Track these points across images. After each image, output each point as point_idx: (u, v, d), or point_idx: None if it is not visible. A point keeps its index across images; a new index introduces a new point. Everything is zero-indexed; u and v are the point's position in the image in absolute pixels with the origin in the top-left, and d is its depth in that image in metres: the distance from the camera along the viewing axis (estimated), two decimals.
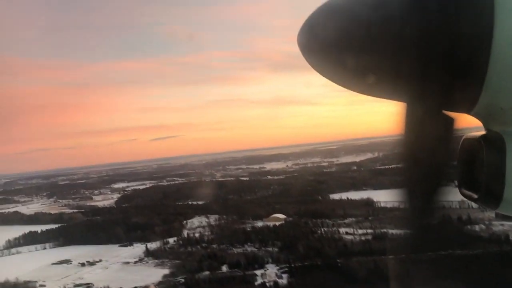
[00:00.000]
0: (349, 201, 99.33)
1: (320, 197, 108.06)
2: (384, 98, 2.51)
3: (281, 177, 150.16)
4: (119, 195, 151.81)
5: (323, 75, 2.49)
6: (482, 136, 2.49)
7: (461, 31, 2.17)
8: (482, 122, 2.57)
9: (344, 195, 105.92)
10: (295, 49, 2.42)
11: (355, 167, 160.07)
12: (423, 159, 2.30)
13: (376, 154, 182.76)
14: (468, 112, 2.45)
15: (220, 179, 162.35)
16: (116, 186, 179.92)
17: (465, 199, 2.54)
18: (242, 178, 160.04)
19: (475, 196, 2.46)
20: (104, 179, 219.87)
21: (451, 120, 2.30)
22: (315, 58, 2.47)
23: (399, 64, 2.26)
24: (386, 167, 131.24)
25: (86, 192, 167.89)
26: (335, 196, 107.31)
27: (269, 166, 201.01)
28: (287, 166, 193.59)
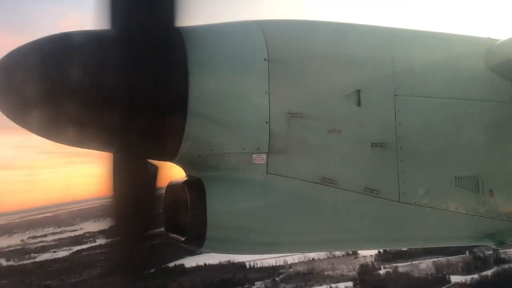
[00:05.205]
0: None
1: None
2: (90, 148, 2.62)
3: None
4: None
5: (23, 126, 2.48)
6: (185, 182, 2.78)
7: (160, 87, 2.42)
8: (184, 169, 2.91)
9: None
10: None
11: None
12: (130, 207, 2.48)
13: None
14: (171, 160, 2.75)
15: None
16: None
17: (173, 242, 2.77)
18: None
19: (182, 238, 2.74)
20: None
21: (155, 168, 2.53)
22: (10, 107, 2.42)
23: (100, 115, 2.36)
24: None
25: None
26: None
27: None
28: (24, 242, 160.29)
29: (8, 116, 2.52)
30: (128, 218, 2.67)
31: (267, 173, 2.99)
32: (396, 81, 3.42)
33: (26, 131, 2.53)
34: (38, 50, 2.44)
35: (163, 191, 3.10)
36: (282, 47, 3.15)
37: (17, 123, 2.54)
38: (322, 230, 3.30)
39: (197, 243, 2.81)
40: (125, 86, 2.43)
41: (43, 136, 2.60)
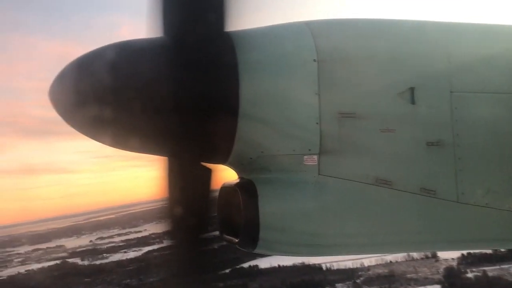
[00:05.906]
0: None
1: None
2: (146, 153, 2.72)
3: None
4: None
5: (78, 130, 2.54)
6: (237, 184, 2.83)
7: (212, 91, 2.47)
8: (236, 171, 2.96)
9: None
10: (48, 113, 2.27)
11: None
12: (185, 209, 2.52)
13: None
14: (223, 162, 2.82)
15: None
16: None
17: (228, 243, 2.81)
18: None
19: (236, 240, 2.79)
20: None
21: (209, 171, 2.60)
22: (69, 112, 2.47)
23: (156, 120, 2.42)
24: None
25: None
26: None
27: (67, 243, 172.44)
28: (93, 242, 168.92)
29: (68, 121, 2.52)
30: (184, 221, 2.65)
31: (318, 174, 2.94)
32: (452, 77, 3.29)
33: (84, 136, 2.56)
34: (99, 58, 2.48)
35: (217, 193, 3.09)
36: (331, 47, 3.09)
37: (75, 129, 2.55)
38: (376, 232, 3.21)
39: (251, 245, 2.80)
40: (179, 91, 2.44)
41: (102, 142, 2.62)
